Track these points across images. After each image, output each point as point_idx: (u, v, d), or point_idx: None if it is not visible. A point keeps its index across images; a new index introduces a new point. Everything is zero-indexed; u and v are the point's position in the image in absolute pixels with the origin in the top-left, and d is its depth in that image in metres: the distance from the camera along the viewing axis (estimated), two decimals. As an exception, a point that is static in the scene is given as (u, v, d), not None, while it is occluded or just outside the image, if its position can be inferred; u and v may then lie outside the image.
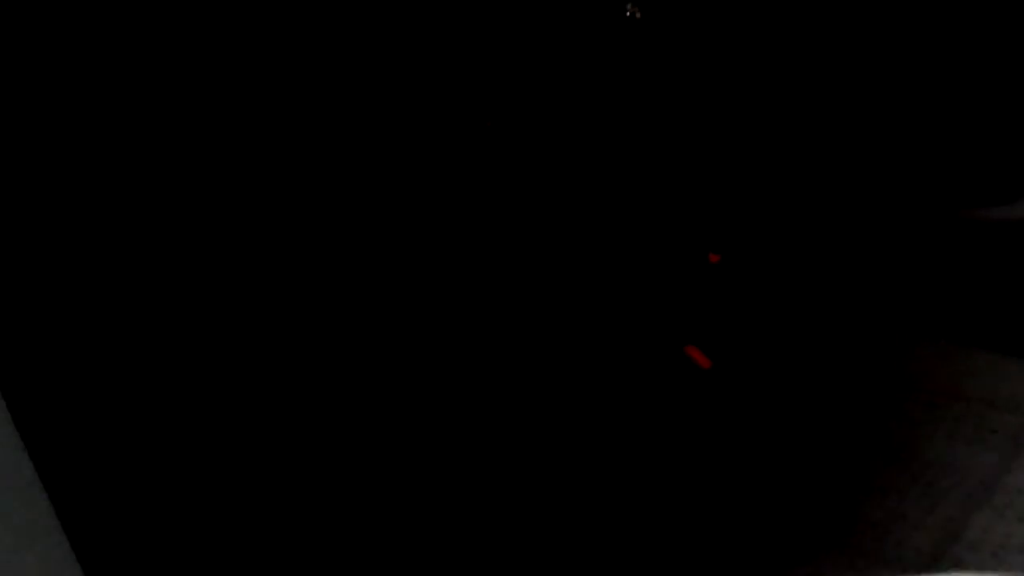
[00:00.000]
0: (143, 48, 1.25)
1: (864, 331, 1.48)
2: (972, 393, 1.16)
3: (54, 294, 1.23)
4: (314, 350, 1.46)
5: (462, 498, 1.44)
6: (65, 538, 0.89)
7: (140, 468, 1.30)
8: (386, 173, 1.52)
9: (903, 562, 1.06)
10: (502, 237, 1.62)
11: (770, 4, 1.75)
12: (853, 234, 1.67)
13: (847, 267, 1.71)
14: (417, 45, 1.51)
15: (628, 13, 1.70)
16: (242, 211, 1.41)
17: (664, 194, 1.83)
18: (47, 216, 1.22)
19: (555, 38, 1.65)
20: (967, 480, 1.04)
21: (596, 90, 1.68)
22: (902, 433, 1.20)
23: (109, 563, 1.21)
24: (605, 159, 1.71)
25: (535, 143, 1.66)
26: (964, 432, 1.12)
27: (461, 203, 1.58)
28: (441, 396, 1.49)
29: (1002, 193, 1.51)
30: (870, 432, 1.25)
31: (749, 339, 1.68)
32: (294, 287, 1.44)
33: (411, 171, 1.53)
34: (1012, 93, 1.68)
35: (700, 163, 1.84)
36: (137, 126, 1.28)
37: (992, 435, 1.08)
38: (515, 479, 1.48)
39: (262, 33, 1.36)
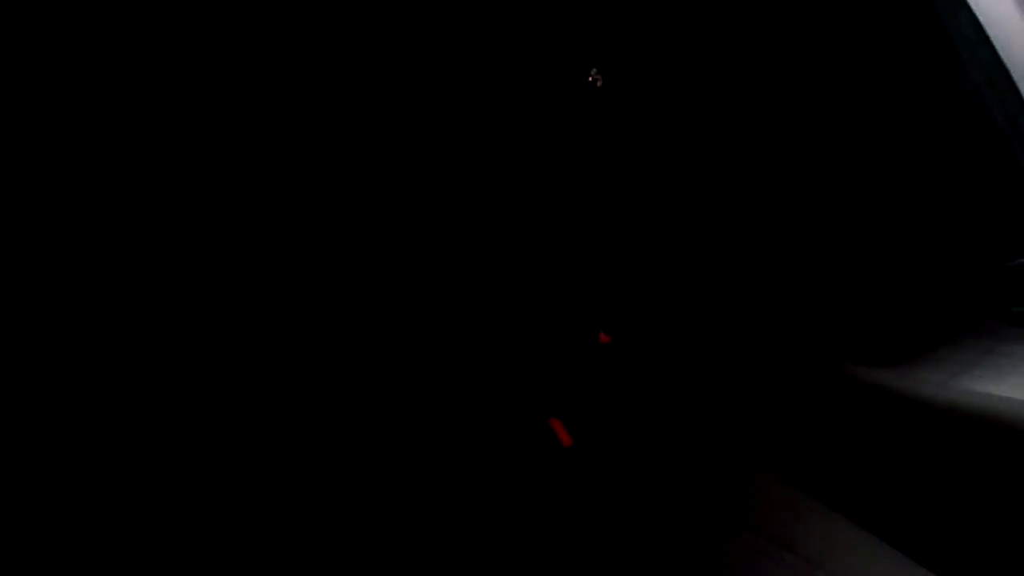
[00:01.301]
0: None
1: (722, 451, 1.46)
2: (802, 549, 1.13)
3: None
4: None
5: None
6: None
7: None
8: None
9: None
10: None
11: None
12: (730, 358, 1.67)
13: (717, 383, 1.71)
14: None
15: (591, 79, 1.69)
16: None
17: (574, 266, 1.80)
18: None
19: (522, 104, 1.63)
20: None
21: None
22: (738, 570, 1.16)
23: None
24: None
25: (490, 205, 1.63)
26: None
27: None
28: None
29: (883, 357, 1.54)
30: (699, 552, 1.21)
31: (615, 423, 1.64)
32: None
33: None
34: (901, 259, 1.77)
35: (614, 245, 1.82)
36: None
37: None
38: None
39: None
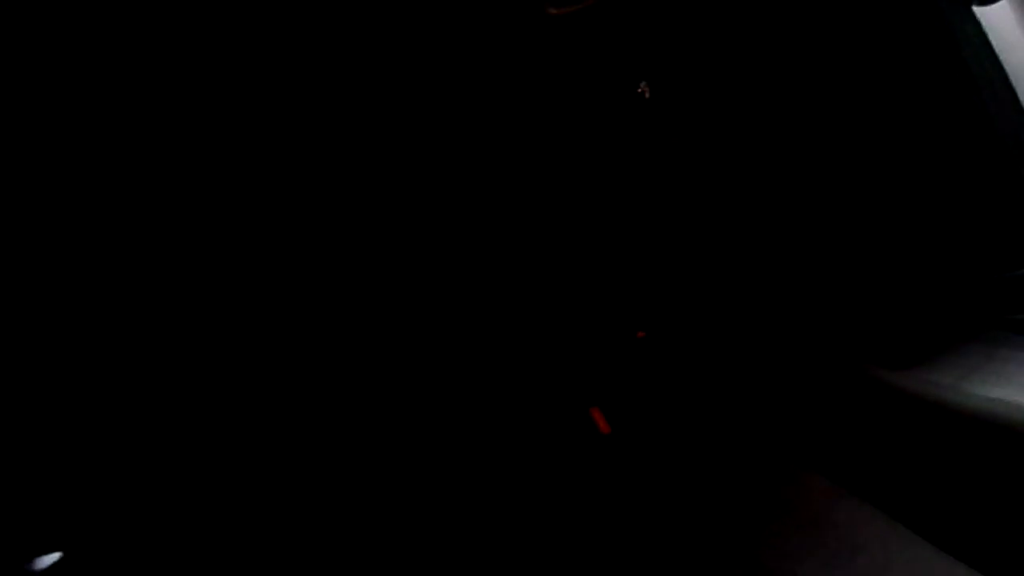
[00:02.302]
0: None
1: (757, 449, 1.60)
2: (840, 535, 1.28)
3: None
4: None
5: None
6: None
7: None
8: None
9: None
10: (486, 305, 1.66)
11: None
12: (764, 364, 1.81)
13: (753, 391, 1.85)
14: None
15: (639, 91, 1.78)
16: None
17: (617, 271, 1.91)
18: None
19: (577, 114, 1.71)
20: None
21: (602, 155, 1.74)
22: (776, 555, 1.30)
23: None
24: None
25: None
26: (832, 564, 1.23)
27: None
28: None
29: (902, 358, 1.69)
30: (748, 550, 1.35)
31: (654, 417, 1.78)
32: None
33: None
34: (926, 265, 1.91)
35: (654, 245, 1.94)
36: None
37: (853, 572, 1.20)
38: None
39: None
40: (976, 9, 1.79)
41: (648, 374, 1.86)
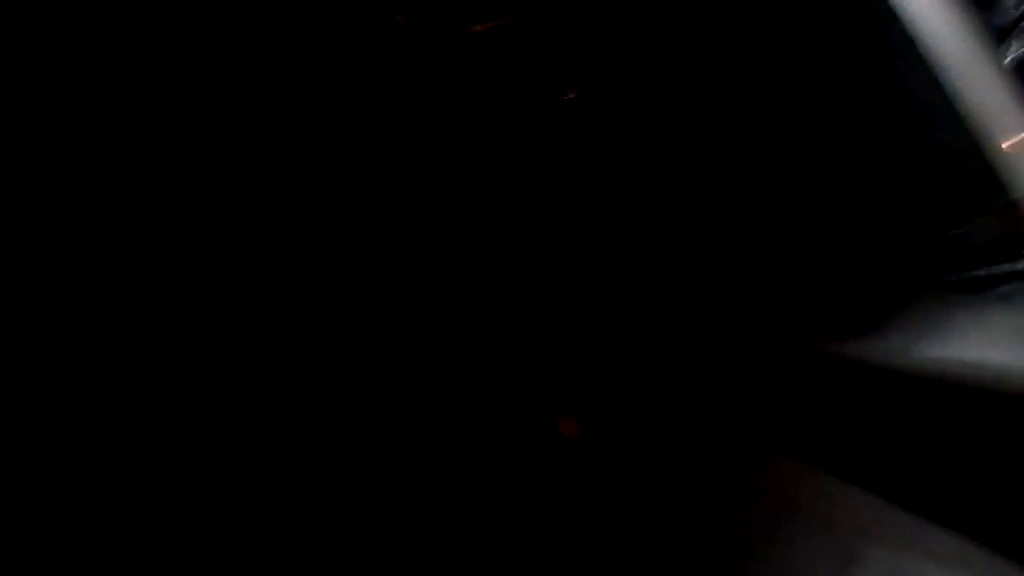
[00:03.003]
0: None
1: (723, 432, 1.61)
2: (810, 509, 1.30)
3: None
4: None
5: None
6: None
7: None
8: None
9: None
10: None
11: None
12: (721, 342, 1.84)
13: (715, 369, 1.88)
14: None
15: (566, 97, 1.81)
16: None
17: (574, 266, 1.92)
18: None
19: (503, 117, 1.73)
20: (804, 589, 1.16)
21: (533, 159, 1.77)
22: (746, 533, 1.32)
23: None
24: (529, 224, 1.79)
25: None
26: (802, 543, 1.25)
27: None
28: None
29: (850, 330, 1.73)
30: (717, 526, 1.36)
31: (622, 418, 1.78)
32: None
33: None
34: (867, 235, 1.96)
35: (604, 246, 1.96)
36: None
37: (827, 551, 1.21)
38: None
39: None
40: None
41: (610, 376, 1.87)
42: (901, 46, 1.90)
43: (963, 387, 1.45)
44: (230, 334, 1.40)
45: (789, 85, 2.00)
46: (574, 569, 1.39)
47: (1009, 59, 1.95)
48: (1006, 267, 1.75)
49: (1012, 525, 1.26)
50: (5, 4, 1.07)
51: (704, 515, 1.37)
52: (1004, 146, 1.73)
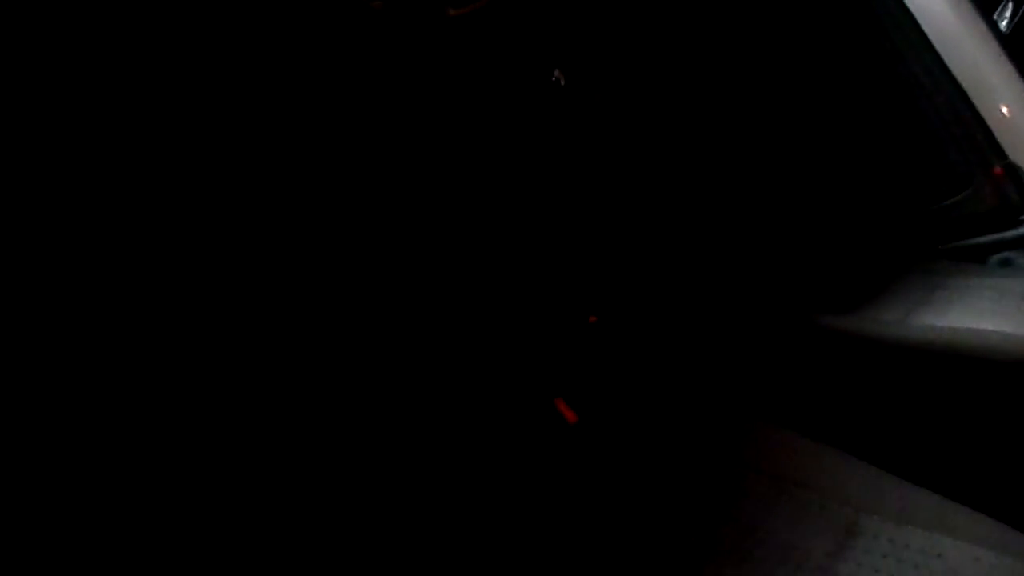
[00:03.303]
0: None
1: (717, 407, 1.60)
2: (810, 482, 1.28)
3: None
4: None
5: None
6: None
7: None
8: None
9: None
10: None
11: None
12: (715, 321, 1.83)
13: (707, 346, 1.86)
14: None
15: (554, 79, 1.78)
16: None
17: (557, 253, 1.90)
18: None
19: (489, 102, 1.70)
20: (805, 565, 1.15)
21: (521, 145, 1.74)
22: (749, 509, 1.31)
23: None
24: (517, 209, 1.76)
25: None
26: (801, 518, 1.23)
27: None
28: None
29: (845, 303, 1.72)
30: (715, 504, 1.35)
31: (616, 399, 1.77)
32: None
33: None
34: (860, 205, 1.95)
35: (593, 227, 1.94)
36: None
37: (827, 524, 1.20)
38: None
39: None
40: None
41: (604, 356, 1.86)
42: (889, 12, 1.88)
43: (962, 355, 1.44)
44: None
45: (776, 57, 1.97)
46: (571, 550, 1.37)
47: (1004, 22, 1.92)
48: (1003, 235, 1.74)
49: (1016, 493, 1.25)
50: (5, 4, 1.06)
51: (699, 493, 1.35)
52: (998, 111, 1.71)
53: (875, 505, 1.19)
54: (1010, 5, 2.00)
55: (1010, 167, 1.71)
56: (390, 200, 1.62)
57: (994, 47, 1.77)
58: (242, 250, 1.38)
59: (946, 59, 1.86)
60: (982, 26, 1.83)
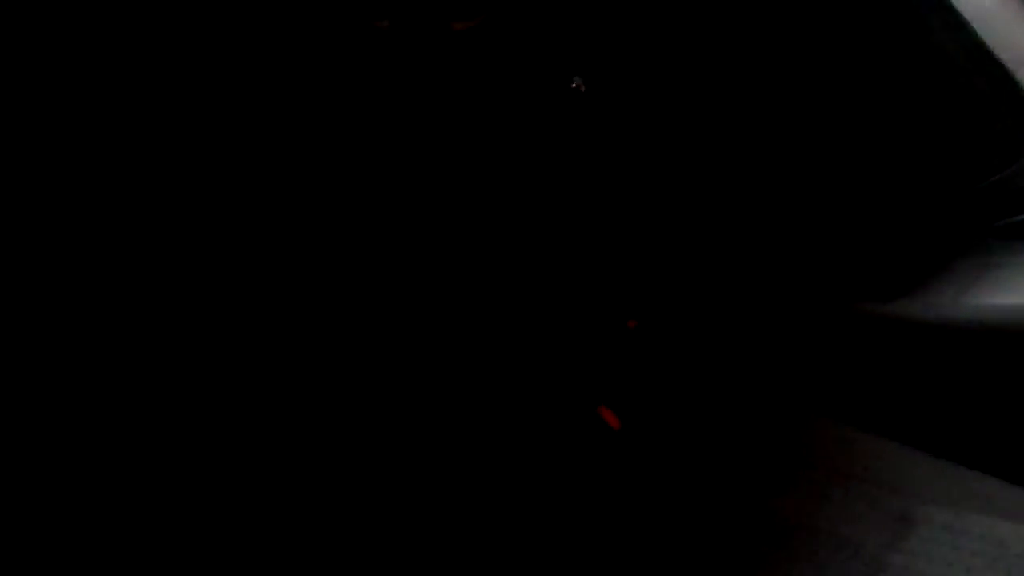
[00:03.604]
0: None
1: (760, 401, 1.56)
2: (860, 473, 1.24)
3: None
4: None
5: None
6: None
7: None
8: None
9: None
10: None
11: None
12: (758, 317, 1.78)
13: (750, 344, 1.82)
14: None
15: (574, 86, 1.79)
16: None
17: (591, 261, 1.90)
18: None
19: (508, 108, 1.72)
20: (858, 557, 1.10)
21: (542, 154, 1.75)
22: (798, 505, 1.26)
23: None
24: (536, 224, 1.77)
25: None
26: (853, 510, 1.19)
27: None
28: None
29: (892, 290, 1.65)
30: (764, 501, 1.31)
31: (658, 403, 1.75)
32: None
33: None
34: (903, 189, 1.87)
35: (626, 232, 1.92)
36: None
37: (880, 515, 1.15)
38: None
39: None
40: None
41: (646, 361, 1.84)
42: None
43: (1019, 333, 1.37)
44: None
45: (813, 38, 1.93)
46: (618, 557, 1.36)
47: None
48: (1055, 206, 1.65)
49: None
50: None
51: (746, 492, 1.32)
52: (1038, 78, 1.64)
53: (929, 493, 1.14)
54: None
55: (1060, 136, 1.63)
56: (425, 214, 1.65)
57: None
58: (272, 277, 1.43)
59: (987, 31, 1.79)
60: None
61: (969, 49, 1.79)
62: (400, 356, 1.66)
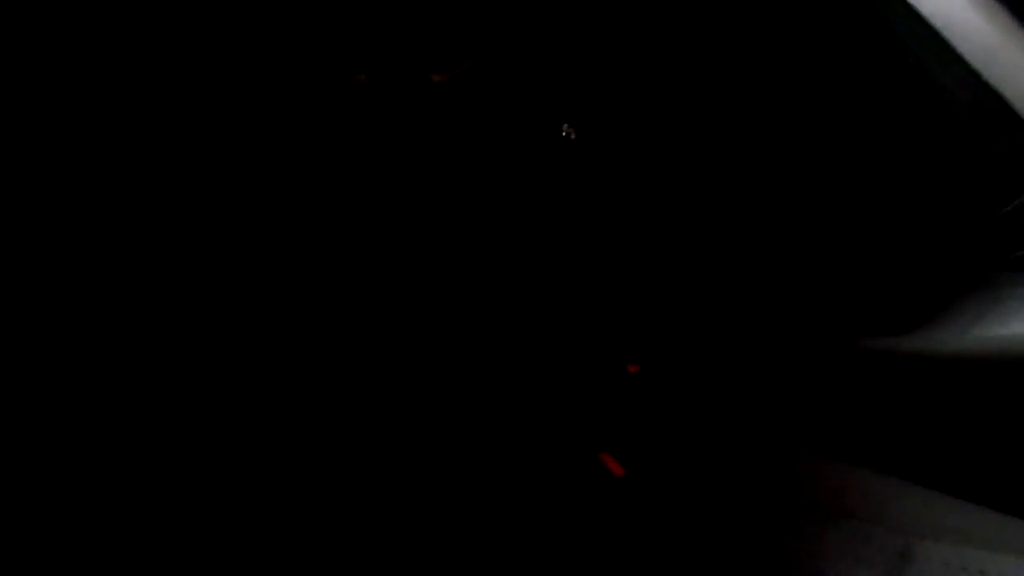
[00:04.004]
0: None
1: (760, 443, 1.51)
2: (859, 512, 1.18)
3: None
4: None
5: None
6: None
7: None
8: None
9: None
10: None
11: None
12: (755, 353, 1.74)
13: (747, 382, 1.77)
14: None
15: (564, 134, 1.82)
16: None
17: (590, 307, 1.89)
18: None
19: (502, 155, 1.76)
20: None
21: (534, 202, 1.77)
22: (795, 547, 1.20)
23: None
24: (537, 268, 1.77)
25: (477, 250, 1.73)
26: (852, 549, 1.13)
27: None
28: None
29: (897, 325, 1.60)
30: (765, 544, 1.25)
31: (660, 448, 1.70)
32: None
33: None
34: (908, 225, 1.83)
35: (623, 277, 1.91)
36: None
37: (878, 553, 1.09)
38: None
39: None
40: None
41: (647, 406, 1.80)
42: (923, 29, 1.83)
43: (1026, 363, 1.31)
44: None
45: (814, 72, 1.94)
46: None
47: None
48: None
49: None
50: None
51: (745, 533, 1.27)
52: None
53: (929, 528, 1.07)
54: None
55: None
56: (428, 264, 1.67)
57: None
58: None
59: (989, 66, 1.79)
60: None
61: (972, 87, 1.78)
62: (404, 400, 1.66)
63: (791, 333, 1.71)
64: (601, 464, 1.73)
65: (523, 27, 1.65)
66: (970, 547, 0.99)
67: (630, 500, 1.63)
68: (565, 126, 1.78)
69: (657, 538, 1.46)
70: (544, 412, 1.80)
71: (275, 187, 1.45)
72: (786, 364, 1.67)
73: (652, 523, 1.51)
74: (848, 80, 1.90)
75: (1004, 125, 1.76)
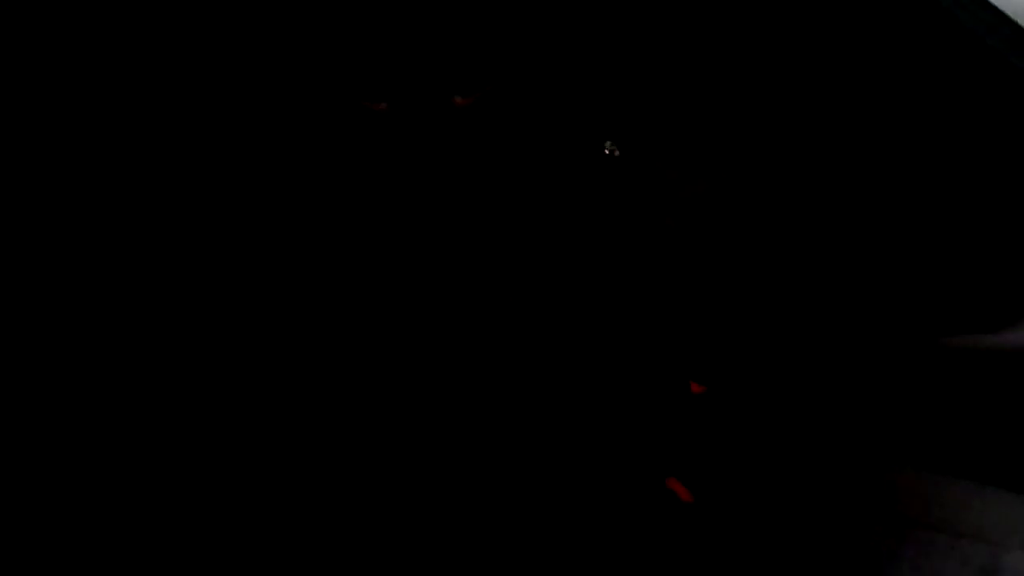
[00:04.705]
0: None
1: (838, 455, 1.38)
2: (941, 522, 1.05)
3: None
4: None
5: None
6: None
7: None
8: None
9: None
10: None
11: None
12: (833, 362, 1.60)
13: (826, 393, 1.63)
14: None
15: (607, 152, 1.80)
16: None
17: (646, 326, 1.82)
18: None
19: (542, 174, 1.75)
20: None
21: (578, 223, 1.73)
22: (874, 561, 1.08)
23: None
24: (585, 292, 1.72)
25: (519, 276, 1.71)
26: (934, 562, 1.00)
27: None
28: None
29: (985, 322, 1.45)
30: (843, 558, 1.13)
31: (730, 471, 1.58)
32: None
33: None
34: (994, 221, 1.66)
35: (682, 294, 1.84)
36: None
37: (962, 565, 0.96)
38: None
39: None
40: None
41: (715, 426, 1.70)
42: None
43: None
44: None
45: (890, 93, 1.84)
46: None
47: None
48: None
49: None
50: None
51: (820, 553, 1.16)
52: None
53: (1017, 539, 0.94)
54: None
55: None
56: (471, 296, 1.67)
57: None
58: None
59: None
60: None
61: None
62: (465, 424, 1.64)
63: (871, 337, 1.57)
64: (668, 491, 1.64)
65: (548, 40, 1.64)
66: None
67: (701, 527, 1.53)
68: (608, 143, 1.75)
69: (730, 566, 1.35)
70: (603, 434, 1.73)
71: (304, 220, 1.49)
72: (866, 370, 1.53)
73: (725, 550, 1.40)
74: (924, 79, 1.78)
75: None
